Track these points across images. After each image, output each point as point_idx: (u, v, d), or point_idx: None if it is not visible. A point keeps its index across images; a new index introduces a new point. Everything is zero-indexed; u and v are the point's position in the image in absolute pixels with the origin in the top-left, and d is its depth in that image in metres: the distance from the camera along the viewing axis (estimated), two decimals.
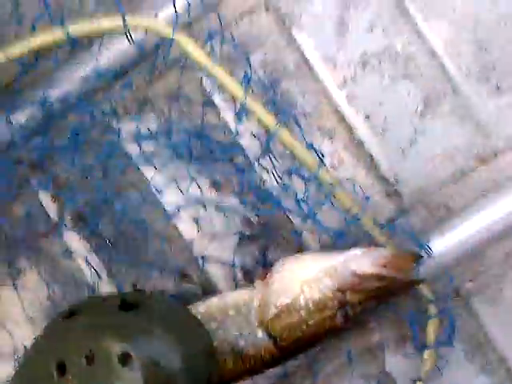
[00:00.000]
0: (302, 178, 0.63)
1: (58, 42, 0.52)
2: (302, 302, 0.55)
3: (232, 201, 0.68)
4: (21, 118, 0.64)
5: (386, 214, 0.67)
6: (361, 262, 0.55)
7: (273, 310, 0.56)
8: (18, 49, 0.52)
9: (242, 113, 0.60)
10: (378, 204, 0.67)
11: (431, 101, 0.65)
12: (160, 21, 0.56)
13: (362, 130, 0.66)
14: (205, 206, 0.67)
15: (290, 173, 0.65)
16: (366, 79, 0.65)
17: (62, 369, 0.50)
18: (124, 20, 0.51)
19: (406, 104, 0.65)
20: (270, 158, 0.65)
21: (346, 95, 0.66)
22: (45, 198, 0.68)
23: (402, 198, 0.67)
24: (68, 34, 0.51)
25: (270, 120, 0.59)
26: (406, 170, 0.67)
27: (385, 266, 0.55)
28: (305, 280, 0.56)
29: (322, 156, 0.63)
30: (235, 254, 0.68)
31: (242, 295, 0.59)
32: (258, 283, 0.59)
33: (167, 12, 0.61)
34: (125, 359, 0.49)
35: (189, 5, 0.59)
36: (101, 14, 0.60)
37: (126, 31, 0.52)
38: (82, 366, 0.50)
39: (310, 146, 0.63)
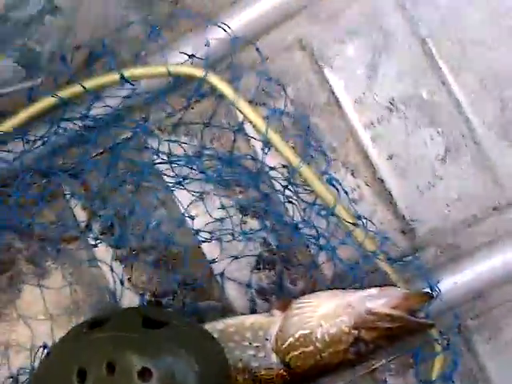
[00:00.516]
0: (322, 211, 0.66)
1: (114, 82, 0.59)
2: (319, 334, 0.59)
3: (254, 224, 0.71)
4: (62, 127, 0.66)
5: (400, 250, 0.70)
6: (376, 301, 0.58)
7: (290, 339, 0.59)
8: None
9: (265, 146, 0.63)
10: (393, 240, 0.70)
11: (452, 149, 0.68)
12: (194, 65, 0.62)
13: (384, 169, 0.69)
14: (228, 227, 0.70)
15: (311, 205, 0.68)
16: (391, 122, 0.68)
17: (82, 376, 0.52)
18: (168, 69, 0.56)
19: (428, 149, 0.68)
20: (294, 189, 0.68)
21: (372, 135, 0.69)
22: (76, 206, 0.70)
23: (416, 236, 0.70)
24: (122, 75, 0.58)
25: (292, 156, 0.63)
26: (423, 210, 0.70)
27: (398, 307, 0.58)
28: (323, 314, 0.59)
29: (345, 193, 0.65)
30: (252, 275, 0.71)
31: (259, 320, 0.62)
32: (275, 312, 0.62)
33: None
34: (145, 375, 0.51)
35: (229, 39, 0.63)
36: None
37: (168, 74, 0.57)
38: (102, 375, 0.52)
39: (334, 180, 0.65)
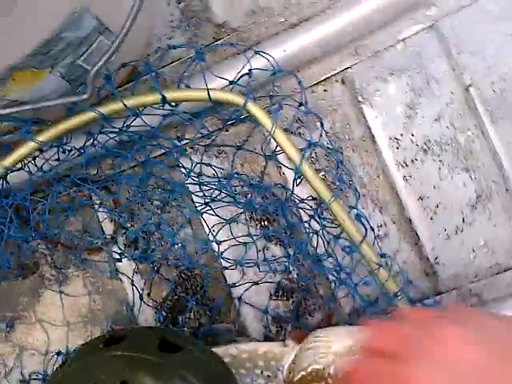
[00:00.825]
0: (346, 247, 0.66)
1: (155, 102, 0.61)
2: (332, 371, 0.58)
3: (277, 251, 0.71)
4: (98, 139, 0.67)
5: (421, 291, 0.69)
6: None
7: (302, 373, 0.59)
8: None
9: (297, 178, 0.63)
10: (415, 280, 0.70)
11: (484, 195, 0.68)
12: (234, 91, 0.62)
13: (413, 210, 0.69)
14: (251, 252, 0.70)
15: (336, 238, 0.68)
16: (425, 164, 0.68)
17: None
18: (209, 94, 0.59)
19: (460, 194, 0.68)
20: (321, 222, 0.68)
21: (404, 175, 0.69)
22: (103, 217, 0.71)
23: (438, 279, 0.70)
24: (164, 97, 0.60)
25: (323, 189, 0.63)
26: (448, 254, 0.69)
27: None
28: (338, 351, 0.59)
29: (372, 229, 0.65)
30: (270, 302, 0.71)
31: (273, 349, 0.62)
32: (290, 343, 0.62)
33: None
34: None
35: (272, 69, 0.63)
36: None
37: (208, 98, 0.59)
38: None
39: (362, 217, 0.65)
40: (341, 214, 0.64)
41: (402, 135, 0.69)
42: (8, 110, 0.56)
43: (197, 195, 0.70)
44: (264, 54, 0.62)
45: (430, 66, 0.68)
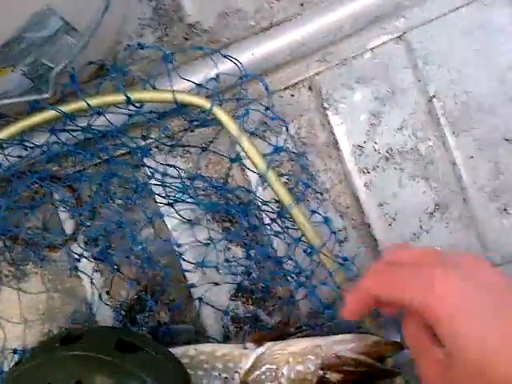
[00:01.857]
0: (305, 251, 0.67)
1: (119, 102, 0.60)
2: (285, 371, 0.59)
3: (238, 252, 0.72)
4: (61, 136, 0.66)
5: None
6: (345, 346, 0.59)
7: (256, 372, 0.60)
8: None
9: (261, 182, 0.64)
10: None
11: (442, 204, 0.70)
12: (200, 96, 0.62)
13: (373, 216, 0.70)
14: (212, 252, 0.70)
15: (296, 241, 0.69)
16: (386, 171, 0.70)
17: None
18: (175, 96, 0.59)
19: (419, 202, 0.70)
20: (282, 225, 0.68)
21: (365, 181, 0.70)
22: (64, 214, 0.70)
23: None
24: (129, 98, 0.60)
25: (285, 195, 0.63)
26: None
27: (366, 353, 0.60)
28: (292, 352, 0.60)
29: (334, 233, 0.66)
30: (229, 302, 0.72)
31: (232, 351, 0.63)
32: (249, 345, 0.63)
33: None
34: None
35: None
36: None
37: (174, 101, 0.60)
38: None
39: (328, 221, 0.66)
40: (301, 218, 0.65)
41: (365, 142, 0.70)
42: None
43: (160, 195, 0.70)
44: (232, 59, 0.61)
45: (396, 76, 0.69)
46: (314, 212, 0.67)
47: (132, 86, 0.68)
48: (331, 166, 0.71)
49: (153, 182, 0.69)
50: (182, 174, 0.70)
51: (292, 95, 0.71)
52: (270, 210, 0.70)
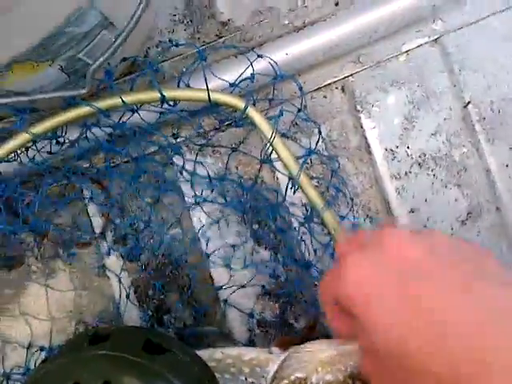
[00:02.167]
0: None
1: (153, 100, 0.59)
2: (314, 380, 0.58)
3: (266, 255, 0.71)
4: (94, 132, 0.66)
5: None
6: None
7: (285, 381, 0.59)
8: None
9: (293, 186, 0.63)
10: None
11: (475, 212, 0.69)
12: (234, 95, 0.60)
13: (404, 222, 0.69)
14: (240, 254, 0.70)
15: (325, 246, 0.68)
16: (419, 177, 0.69)
17: None
18: (209, 95, 0.58)
19: (451, 209, 0.69)
20: (311, 229, 0.68)
21: (397, 187, 0.69)
22: (93, 211, 0.70)
23: None
24: (163, 96, 0.59)
25: (317, 199, 0.62)
26: None
27: None
28: (321, 360, 0.59)
29: None
30: (255, 305, 0.71)
31: (258, 356, 0.62)
32: (275, 350, 0.62)
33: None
34: None
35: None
36: None
37: (208, 100, 0.59)
38: None
39: (354, 227, 0.66)
40: (333, 223, 0.63)
41: (397, 147, 0.69)
42: (4, 100, 0.54)
43: (188, 195, 0.69)
44: (267, 59, 0.61)
45: (431, 80, 0.68)
46: (343, 217, 0.66)
47: (163, 83, 0.68)
48: (362, 169, 0.70)
49: (181, 179, 0.68)
50: (212, 174, 0.69)
51: (324, 96, 0.70)
52: (300, 213, 0.69)
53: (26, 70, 0.50)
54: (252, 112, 0.60)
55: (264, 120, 0.61)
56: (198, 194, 0.71)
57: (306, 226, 0.69)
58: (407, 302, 0.36)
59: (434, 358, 0.33)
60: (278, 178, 0.70)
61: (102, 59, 0.52)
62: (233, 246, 0.71)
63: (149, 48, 0.69)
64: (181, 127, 0.70)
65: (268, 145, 0.61)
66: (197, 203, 0.70)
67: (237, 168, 0.71)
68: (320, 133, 0.67)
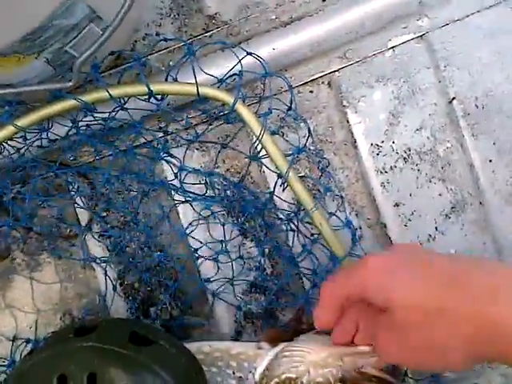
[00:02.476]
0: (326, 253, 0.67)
1: (141, 93, 0.59)
2: (305, 381, 0.59)
3: (253, 248, 0.72)
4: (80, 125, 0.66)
5: None
6: (366, 360, 0.58)
7: (275, 380, 0.59)
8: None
9: (282, 183, 0.63)
10: None
11: (458, 206, 0.70)
12: (223, 90, 0.61)
13: (388, 216, 0.70)
14: (226, 248, 0.70)
15: (313, 241, 0.68)
16: (404, 172, 0.70)
17: (62, 381, 0.53)
18: (198, 89, 0.59)
19: (435, 203, 0.70)
20: (298, 225, 0.68)
21: (382, 181, 0.70)
22: (79, 204, 0.70)
23: None
24: (151, 91, 0.59)
25: (306, 198, 0.63)
26: None
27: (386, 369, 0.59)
28: (312, 361, 0.59)
29: (354, 236, 0.66)
30: (242, 297, 0.71)
31: (247, 350, 0.62)
32: (264, 345, 0.62)
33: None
34: None
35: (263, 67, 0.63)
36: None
37: (197, 94, 0.59)
38: None
39: (349, 223, 0.67)
40: (321, 221, 0.64)
41: (383, 142, 0.70)
42: None
43: (175, 189, 0.69)
44: (256, 56, 0.61)
45: (416, 76, 0.69)
46: (332, 214, 0.67)
47: (150, 76, 0.68)
48: (348, 164, 0.71)
49: (169, 173, 0.69)
50: (198, 167, 0.69)
51: (311, 91, 0.70)
52: (287, 209, 0.69)
53: (12, 63, 0.50)
54: (240, 108, 0.61)
55: (253, 116, 0.61)
56: (185, 188, 0.71)
57: (294, 222, 0.69)
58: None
59: (448, 298, 0.43)
60: (263, 172, 0.70)
61: (88, 52, 0.52)
62: (221, 241, 0.71)
63: (135, 41, 0.69)
64: (168, 121, 0.70)
65: (257, 142, 0.61)
66: (185, 201, 0.70)
67: (224, 162, 0.71)
68: (310, 131, 0.67)
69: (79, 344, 0.56)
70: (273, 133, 0.66)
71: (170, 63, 0.68)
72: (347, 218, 0.67)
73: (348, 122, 0.70)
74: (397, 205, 0.70)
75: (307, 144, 0.69)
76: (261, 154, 0.66)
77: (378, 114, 0.69)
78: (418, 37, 0.68)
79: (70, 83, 0.53)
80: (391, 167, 0.70)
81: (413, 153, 0.69)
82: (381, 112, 0.69)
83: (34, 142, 0.62)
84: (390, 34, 0.68)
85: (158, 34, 0.68)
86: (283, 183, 0.62)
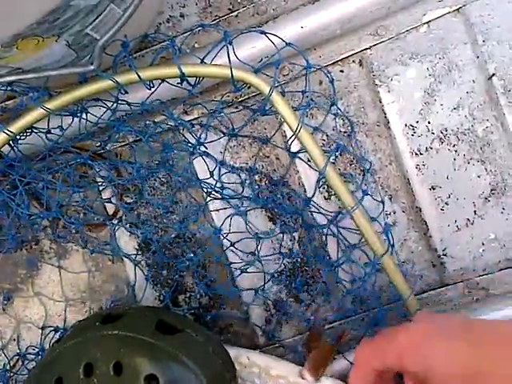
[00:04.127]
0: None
1: (172, 75, 0.56)
2: None
3: (281, 234, 0.70)
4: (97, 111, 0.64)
5: (426, 282, 0.70)
6: None
7: None
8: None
9: (319, 180, 0.61)
10: (421, 271, 0.69)
11: (498, 189, 0.66)
12: (261, 77, 0.57)
13: (424, 199, 0.67)
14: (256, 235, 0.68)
15: (352, 247, 0.66)
16: (440, 153, 0.66)
17: (88, 369, 0.52)
18: (232, 72, 0.54)
19: (474, 186, 0.66)
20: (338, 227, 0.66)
21: (417, 163, 0.67)
22: (107, 193, 0.69)
23: (445, 271, 0.68)
24: (183, 74, 0.56)
25: (346, 197, 0.60)
26: (457, 246, 0.68)
27: None
28: None
29: (393, 246, 0.62)
30: (272, 286, 0.70)
31: (288, 375, 0.59)
32: (306, 375, 0.59)
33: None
34: (151, 381, 0.51)
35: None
36: None
37: (232, 81, 0.56)
38: (108, 373, 0.52)
39: (387, 231, 0.63)
40: (362, 221, 0.61)
41: (417, 122, 0.67)
42: (11, 78, 0.53)
43: (204, 181, 0.67)
44: (281, 36, 0.58)
45: (453, 52, 0.65)
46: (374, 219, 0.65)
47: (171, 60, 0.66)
48: (381, 146, 0.68)
49: (195, 157, 0.67)
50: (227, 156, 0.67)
51: (341, 71, 0.68)
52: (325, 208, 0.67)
53: (31, 46, 0.49)
54: (277, 99, 0.58)
55: (289, 109, 0.58)
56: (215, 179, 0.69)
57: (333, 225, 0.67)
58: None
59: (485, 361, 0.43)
60: (297, 169, 0.68)
61: (110, 34, 0.51)
62: (256, 238, 0.68)
63: (160, 23, 0.67)
64: (193, 105, 0.68)
65: (293, 136, 0.59)
66: (222, 198, 0.67)
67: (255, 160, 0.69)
68: (353, 130, 0.66)
69: (105, 332, 0.55)
70: (296, 109, 0.63)
71: (196, 45, 0.65)
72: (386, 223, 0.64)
73: (380, 101, 0.66)
74: (433, 188, 0.67)
75: (337, 125, 0.66)
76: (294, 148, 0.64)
77: (413, 92, 0.66)
78: (454, 10, 0.65)
79: (92, 66, 0.52)
80: (427, 148, 0.66)
81: (450, 133, 0.66)
82: (415, 91, 0.66)
83: (68, 127, 0.60)
84: (424, 8, 0.65)
85: (182, 16, 0.66)
86: (320, 180, 0.59)
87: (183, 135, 0.68)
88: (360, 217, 0.59)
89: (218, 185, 0.65)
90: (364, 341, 0.52)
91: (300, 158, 0.66)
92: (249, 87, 0.65)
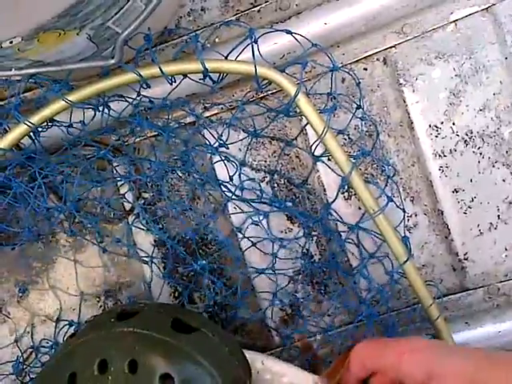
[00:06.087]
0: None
1: (194, 71, 0.54)
2: None
3: (300, 233, 0.69)
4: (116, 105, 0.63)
5: (447, 286, 0.69)
6: None
7: None
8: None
9: (343, 185, 0.60)
10: (442, 275, 0.68)
11: None
12: (285, 76, 0.56)
13: (447, 202, 0.66)
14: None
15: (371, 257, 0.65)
16: (465, 155, 0.65)
17: (103, 366, 0.52)
18: (257, 70, 0.53)
19: (498, 190, 0.65)
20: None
21: (441, 165, 0.65)
22: (124, 187, 0.68)
23: (466, 276, 0.67)
24: (206, 69, 0.54)
25: (370, 202, 0.58)
26: (479, 251, 0.67)
27: None
28: None
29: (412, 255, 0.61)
30: (288, 286, 0.69)
31: (301, 381, 0.58)
32: (323, 381, 0.58)
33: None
34: (166, 380, 0.50)
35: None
36: None
37: (256, 79, 0.55)
38: (123, 371, 0.51)
39: (407, 239, 0.62)
40: (386, 228, 0.60)
41: (442, 123, 0.65)
42: (32, 70, 0.52)
43: (224, 183, 0.66)
44: (304, 35, 0.57)
45: (480, 53, 0.63)
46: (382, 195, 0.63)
47: (193, 55, 0.65)
48: (404, 146, 0.67)
49: (217, 162, 0.66)
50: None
51: (365, 69, 0.66)
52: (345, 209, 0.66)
53: (52, 39, 0.48)
54: (303, 101, 0.56)
55: (315, 112, 0.56)
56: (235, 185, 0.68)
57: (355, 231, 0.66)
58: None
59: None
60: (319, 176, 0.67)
61: (131, 27, 0.50)
62: (280, 240, 0.67)
63: (180, 17, 0.66)
64: (212, 102, 0.67)
65: (318, 140, 0.57)
66: (242, 199, 0.67)
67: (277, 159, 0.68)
68: (378, 135, 0.64)
69: (120, 329, 0.54)
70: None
71: (216, 40, 0.64)
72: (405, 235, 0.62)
73: (404, 101, 0.65)
74: (456, 191, 0.65)
75: (359, 124, 0.65)
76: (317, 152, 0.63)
77: (438, 93, 0.64)
78: (483, 9, 0.63)
79: (113, 60, 0.51)
80: (451, 150, 0.65)
81: (475, 135, 0.64)
82: (440, 91, 0.64)
83: (90, 121, 0.59)
84: (452, 7, 0.63)
85: (203, 10, 0.65)
86: (343, 186, 0.58)
87: (203, 133, 0.66)
88: (383, 222, 0.57)
89: (238, 189, 0.64)
90: (365, 340, 0.52)
91: (322, 161, 0.64)
92: (269, 84, 0.63)
